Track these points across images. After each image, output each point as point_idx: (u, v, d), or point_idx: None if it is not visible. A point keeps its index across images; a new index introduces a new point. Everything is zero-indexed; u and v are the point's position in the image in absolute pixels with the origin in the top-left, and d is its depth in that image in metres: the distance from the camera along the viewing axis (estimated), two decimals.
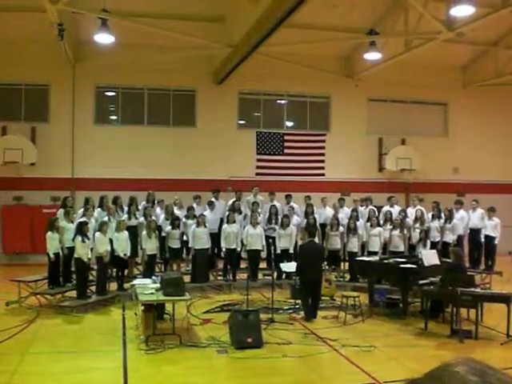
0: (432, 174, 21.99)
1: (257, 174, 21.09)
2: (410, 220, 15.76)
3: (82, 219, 13.56)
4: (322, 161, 21.89)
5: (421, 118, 22.82)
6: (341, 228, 15.42)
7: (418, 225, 15.63)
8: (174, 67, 19.65)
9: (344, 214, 16.25)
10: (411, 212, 16.40)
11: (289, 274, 14.57)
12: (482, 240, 16.41)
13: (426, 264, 11.83)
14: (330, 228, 15.59)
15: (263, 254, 15.55)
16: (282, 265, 14.08)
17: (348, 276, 15.60)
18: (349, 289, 14.24)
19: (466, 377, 1.14)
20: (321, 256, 12.35)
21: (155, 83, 20.43)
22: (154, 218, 14.98)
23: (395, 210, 16.24)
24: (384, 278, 13.12)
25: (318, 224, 15.83)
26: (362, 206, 16.81)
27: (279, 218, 15.95)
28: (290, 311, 12.33)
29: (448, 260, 12.18)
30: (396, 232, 14.96)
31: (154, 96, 20.85)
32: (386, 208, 16.59)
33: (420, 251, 13.54)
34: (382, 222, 15.46)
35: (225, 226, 15.37)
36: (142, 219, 14.87)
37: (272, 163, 21.51)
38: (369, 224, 15.32)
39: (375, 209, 16.28)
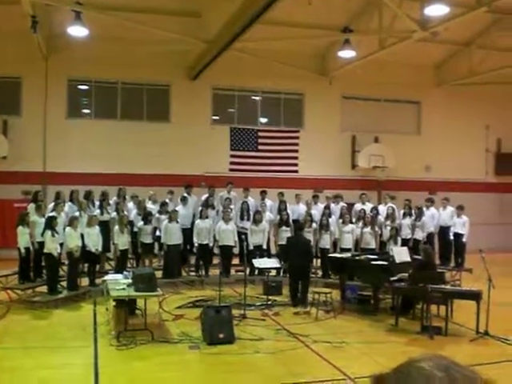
0: (404, 171, 22.18)
1: (230, 170, 21.06)
2: (381, 217, 15.92)
3: (51, 214, 13.37)
4: (296, 157, 21.92)
5: (394, 116, 23.00)
6: (314, 225, 15.36)
7: (388, 222, 15.74)
8: (149, 61, 19.46)
9: (317, 210, 16.24)
10: (382, 209, 16.57)
11: (261, 270, 14.57)
12: (452, 238, 16.53)
13: (398, 261, 11.92)
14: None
15: (235, 250, 15.52)
16: (254, 261, 14.11)
17: (320, 272, 15.59)
18: (321, 285, 14.30)
19: (432, 372, 1.16)
20: (308, 248, 12.89)
21: (129, 77, 20.22)
22: (125, 213, 14.86)
23: (367, 208, 16.31)
24: (356, 275, 13.21)
25: (290, 220, 15.75)
26: (333, 202, 16.85)
27: (251, 214, 15.84)
28: (263, 307, 12.34)
29: (418, 257, 12.24)
30: (367, 229, 15.11)
31: (127, 90, 20.63)
32: (359, 205, 16.74)
33: (391, 248, 13.66)
34: (354, 220, 15.54)
35: (197, 221, 15.32)
36: (114, 214, 14.75)
37: (246, 159, 21.49)
38: (341, 221, 15.36)
39: (346, 206, 16.36)
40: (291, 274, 13.08)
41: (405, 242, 15.18)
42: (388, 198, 17.57)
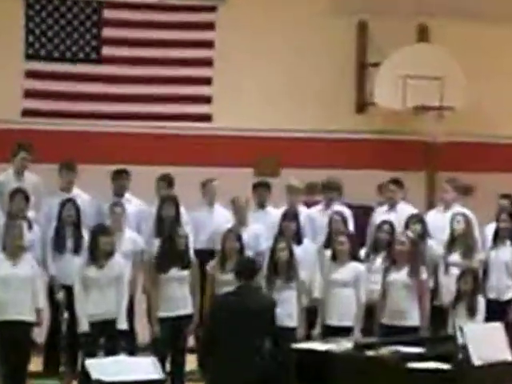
0: (498, 123, 9.86)
1: (25, 115, 8.94)
2: (434, 243, 7.14)
3: None
4: (208, 80, 9.32)
5: None
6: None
7: (456, 256, 7.12)
8: None
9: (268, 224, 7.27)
10: (439, 222, 7.43)
11: None
12: None
13: (477, 362, 5.09)
14: None
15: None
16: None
17: None
18: None
19: None
20: (269, 326, 5.37)
21: None
22: None
23: (397, 218, 7.18)
24: None
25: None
26: (307, 205, 7.77)
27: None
28: None
29: None
30: (399, 274, 6.35)
31: None
32: (380, 212, 7.66)
33: (459, 325, 5.59)
34: (366, 250, 6.97)
35: None
36: None
37: (68, 84, 8.98)
38: (329, 253, 6.69)
39: (345, 212, 7.20)
40: None
41: (498, 308, 6.82)
42: (452, 190, 7.70)
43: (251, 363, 5.08)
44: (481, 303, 6.35)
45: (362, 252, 6.66)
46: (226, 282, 5.91)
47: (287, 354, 5.79)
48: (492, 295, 6.68)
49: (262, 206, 7.32)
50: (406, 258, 6.10)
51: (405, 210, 7.27)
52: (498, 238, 6.92)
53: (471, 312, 6.19)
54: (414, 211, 7.22)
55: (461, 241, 6.77)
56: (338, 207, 7.18)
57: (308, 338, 6.25)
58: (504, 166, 9.18)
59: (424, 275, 6.13)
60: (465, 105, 9.17)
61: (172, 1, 9.03)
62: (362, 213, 7.87)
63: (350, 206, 7.46)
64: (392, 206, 7.35)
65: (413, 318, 6.12)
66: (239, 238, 6.36)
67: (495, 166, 9.30)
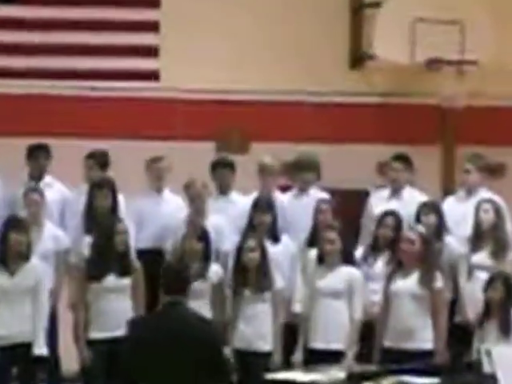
0: None
1: None
2: (453, 240, 6.61)
3: None
4: (154, 25, 8.28)
5: None
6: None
7: (484, 255, 6.75)
8: None
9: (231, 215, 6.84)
10: (459, 212, 6.78)
11: None
12: None
13: None
14: None
15: None
16: None
17: None
18: None
19: None
20: (197, 354, 3.70)
21: None
22: None
23: (406, 206, 6.64)
24: None
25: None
26: (280, 189, 7.14)
27: None
28: None
29: None
30: (408, 282, 5.87)
31: None
32: (379, 197, 7.08)
33: (485, 349, 4.94)
34: (361, 249, 6.49)
35: None
36: None
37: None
38: (314, 253, 6.20)
39: (331, 198, 6.84)
40: None
41: None
42: (476, 170, 6.81)
43: None
44: None
45: (358, 253, 5.89)
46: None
47: None
48: None
49: (224, 191, 6.47)
50: (415, 261, 5.47)
51: (413, 196, 6.48)
52: None
53: (505, 330, 5.39)
54: (426, 198, 6.41)
55: (489, 236, 5.99)
56: (315, 192, 6.43)
57: (287, 365, 5.55)
58: None
59: (439, 283, 5.44)
60: (491, 58, 7.95)
61: None
62: (355, 200, 7.12)
63: (336, 192, 6.65)
64: (396, 191, 6.41)
65: (424, 339, 5.40)
66: (204, 235, 5.60)
67: None
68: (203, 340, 3.58)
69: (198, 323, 3.73)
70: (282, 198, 6.54)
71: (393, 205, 6.28)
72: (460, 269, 6.00)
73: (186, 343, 3.53)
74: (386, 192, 6.57)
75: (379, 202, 6.54)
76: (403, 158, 6.52)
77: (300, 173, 6.48)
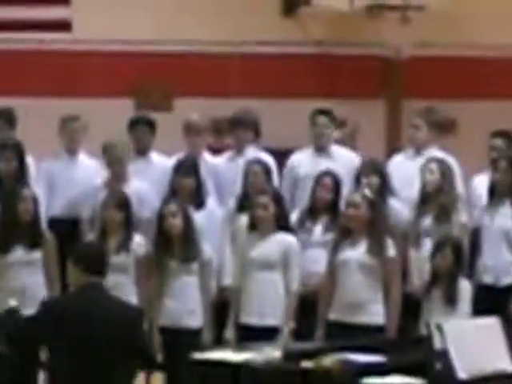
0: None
1: None
2: (397, 202, 6.38)
3: None
4: None
5: None
6: None
7: (429, 220, 6.45)
8: None
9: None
10: (405, 173, 6.60)
11: None
12: None
13: (461, 374, 3.99)
14: None
15: None
16: None
17: None
18: None
19: None
20: (117, 338, 3.50)
21: None
22: None
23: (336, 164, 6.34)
24: None
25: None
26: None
27: None
28: None
29: None
30: (356, 253, 5.65)
31: None
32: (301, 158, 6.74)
33: (435, 324, 4.11)
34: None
35: None
36: None
37: None
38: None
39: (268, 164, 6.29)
40: None
41: (493, 296, 5.98)
42: (425, 125, 6.49)
43: None
44: (465, 288, 5.40)
45: (293, 217, 5.54)
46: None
47: (188, 368, 4.74)
48: (486, 279, 5.64)
49: (142, 152, 6.11)
50: (363, 228, 5.18)
51: (341, 155, 6.14)
52: (493, 195, 5.74)
53: (450, 300, 5.20)
54: (357, 157, 6.09)
55: (434, 198, 5.70)
56: (253, 153, 6.04)
57: (218, 343, 5.29)
58: (498, 91, 7.85)
59: (391, 251, 5.19)
60: (439, 2, 7.77)
61: None
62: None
63: (271, 152, 6.22)
64: (320, 149, 6.03)
65: (374, 312, 5.15)
66: (124, 203, 5.32)
67: (485, 91, 7.95)
68: (124, 325, 3.43)
69: (118, 308, 3.58)
70: (215, 161, 6.19)
71: (322, 164, 5.87)
72: (408, 235, 5.71)
73: (106, 329, 3.39)
74: (309, 150, 6.12)
75: (302, 161, 6.14)
76: (324, 112, 6.13)
77: (234, 131, 6.10)
